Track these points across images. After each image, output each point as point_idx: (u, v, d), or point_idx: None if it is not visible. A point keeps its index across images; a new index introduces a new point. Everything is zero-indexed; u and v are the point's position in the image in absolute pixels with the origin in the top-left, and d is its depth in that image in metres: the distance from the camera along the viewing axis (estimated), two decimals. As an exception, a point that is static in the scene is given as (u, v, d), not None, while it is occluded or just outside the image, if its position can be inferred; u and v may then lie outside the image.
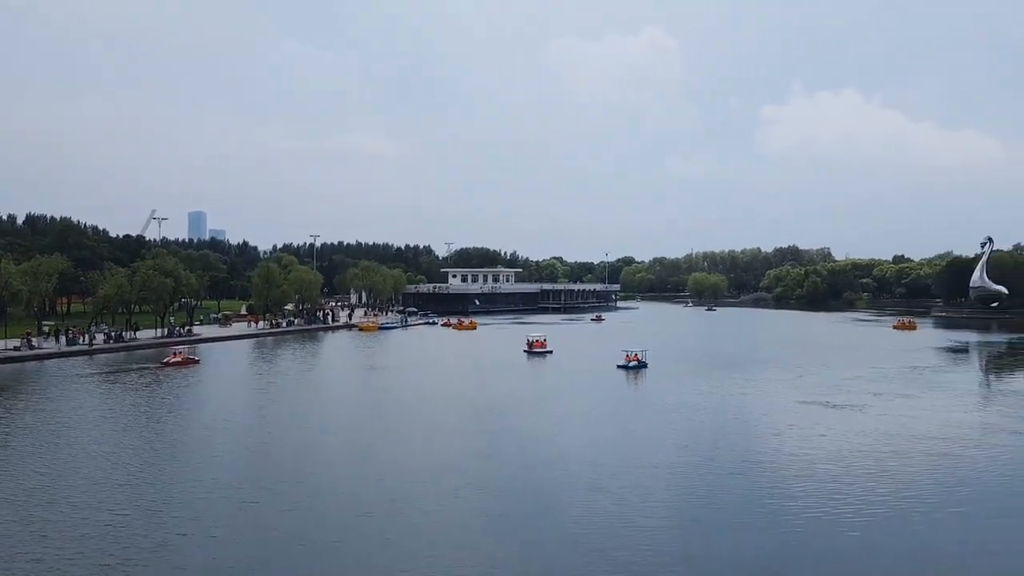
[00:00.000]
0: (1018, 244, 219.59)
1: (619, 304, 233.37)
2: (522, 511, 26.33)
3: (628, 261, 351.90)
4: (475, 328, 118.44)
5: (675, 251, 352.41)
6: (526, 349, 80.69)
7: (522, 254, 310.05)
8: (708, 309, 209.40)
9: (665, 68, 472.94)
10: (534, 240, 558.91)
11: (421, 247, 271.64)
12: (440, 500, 27.22)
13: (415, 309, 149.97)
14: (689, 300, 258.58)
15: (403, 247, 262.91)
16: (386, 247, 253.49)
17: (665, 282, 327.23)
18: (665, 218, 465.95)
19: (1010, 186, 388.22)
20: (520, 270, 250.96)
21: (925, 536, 23.80)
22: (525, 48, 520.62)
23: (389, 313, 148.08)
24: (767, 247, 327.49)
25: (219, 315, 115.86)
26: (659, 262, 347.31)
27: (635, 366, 65.51)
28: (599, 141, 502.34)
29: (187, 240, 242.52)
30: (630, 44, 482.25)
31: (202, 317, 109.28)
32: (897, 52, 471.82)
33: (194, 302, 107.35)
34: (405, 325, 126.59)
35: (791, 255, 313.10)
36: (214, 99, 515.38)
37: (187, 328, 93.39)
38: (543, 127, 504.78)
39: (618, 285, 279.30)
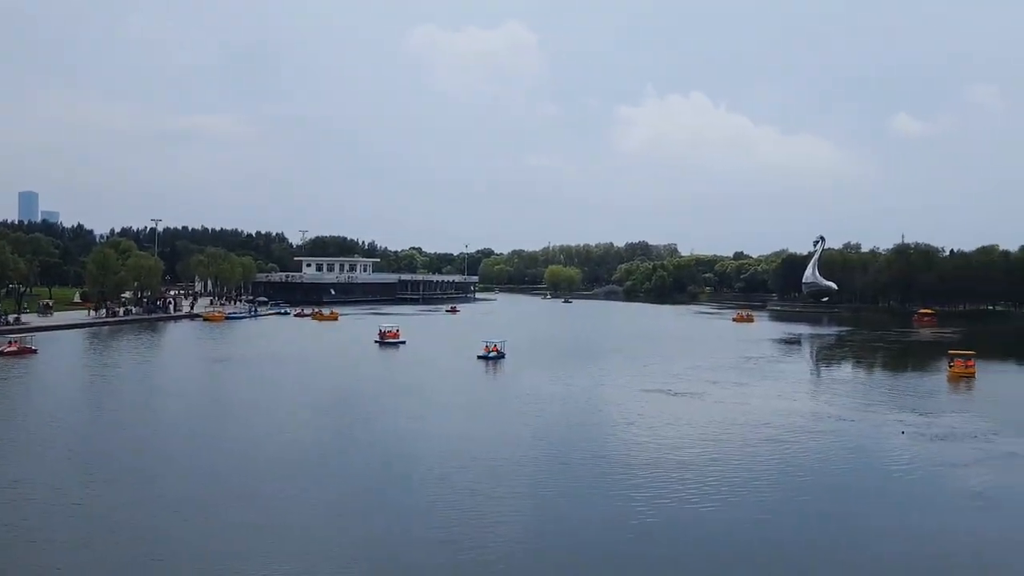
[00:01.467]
0: (848, 243, 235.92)
1: (478, 296, 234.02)
2: (370, 505, 25.56)
3: (487, 253, 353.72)
4: (336, 319, 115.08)
5: (533, 244, 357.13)
6: (378, 340, 79.18)
7: (381, 244, 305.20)
8: (564, 301, 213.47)
9: (526, 63, 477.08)
10: (393, 230, 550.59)
11: (274, 234, 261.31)
12: (285, 497, 25.88)
13: (266, 299, 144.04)
14: (547, 292, 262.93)
15: (254, 234, 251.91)
16: (235, 233, 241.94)
17: (523, 274, 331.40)
18: (524, 211, 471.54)
19: (841, 188, 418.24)
20: (378, 260, 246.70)
21: (762, 517, 24.60)
22: (386, 35, 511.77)
23: (237, 303, 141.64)
24: (619, 242, 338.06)
25: (45, 303, 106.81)
26: (517, 254, 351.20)
27: (495, 356, 65.67)
28: (460, 132, 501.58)
29: (16, 222, 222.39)
30: (491, 37, 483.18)
31: (28, 304, 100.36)
32: (742, 60, 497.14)
33: (23, 288, 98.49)
34: (255, 315, 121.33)
35: (641, 250, 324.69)
36: (46, 74, 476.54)
37: (15, 317, 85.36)
38: (403, 115, 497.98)
39: (477, 277, 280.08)
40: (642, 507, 25.35)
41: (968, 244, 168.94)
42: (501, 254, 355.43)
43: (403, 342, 78.73)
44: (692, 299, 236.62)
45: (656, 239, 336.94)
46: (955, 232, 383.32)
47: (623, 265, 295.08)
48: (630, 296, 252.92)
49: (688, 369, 61.96)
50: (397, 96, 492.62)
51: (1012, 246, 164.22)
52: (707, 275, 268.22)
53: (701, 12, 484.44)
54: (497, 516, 24.37)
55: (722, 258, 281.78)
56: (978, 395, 52.84)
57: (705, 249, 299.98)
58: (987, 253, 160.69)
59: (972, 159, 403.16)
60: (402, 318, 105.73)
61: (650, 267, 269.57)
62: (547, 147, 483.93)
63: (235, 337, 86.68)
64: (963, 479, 30.22)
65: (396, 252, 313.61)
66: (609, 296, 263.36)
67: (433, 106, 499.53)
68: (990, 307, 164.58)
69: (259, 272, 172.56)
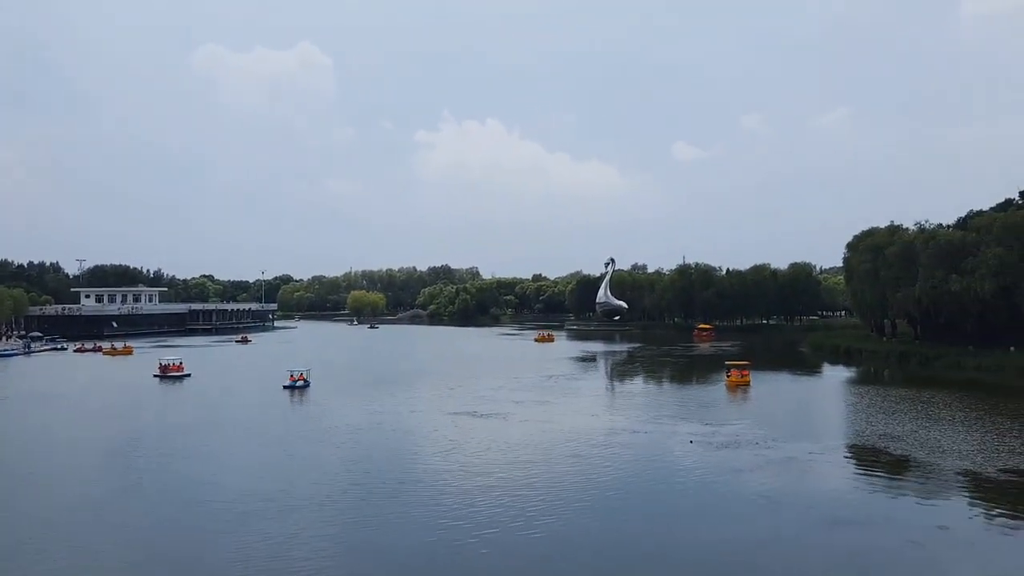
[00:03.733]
0: (636, 264, 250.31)
1: (277, 324, 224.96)
2: (174, 548, 23.49)
3: (286, 279, 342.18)
4: (131, 353, 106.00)
5: (334, 269, 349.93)
6: (158, 374, 73.48)
7: (168, 272, 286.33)
8: (370, 327, 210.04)
9: (320, 85, 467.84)
10: (182, 257, 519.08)
11: (47, 264, 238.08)
12: (67, 548, 23.04)
13: (40, 334, 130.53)
14: (353, 318, 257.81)
15: (25, 264, 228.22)
16: (4, 264, 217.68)
17: (325, 300, 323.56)
18: (324, 236, 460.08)
19: (629, 212, 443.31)
20: (166, 289, 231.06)
21: (567, 532, 24.53)
22: (169, 53, 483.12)
23: (9, 339, 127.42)
24: (422, 266, 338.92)
25: None
26: (318, 281, 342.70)
27: (301, 385, 63.63)
28: (254, 155, 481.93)
29: None
30: (283, 58, 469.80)
31: None
32: (533, 88, 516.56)
33: None
34: (28, 352, 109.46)
35: (444, 274, 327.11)
36: None
37: None
38: (189, 137, 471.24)
39: (275, 305, 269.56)
40: (450, 534, 24.66)
41: (743, 263, 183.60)
42: (301, 280, 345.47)
43: (188, 375, 73.73)
44: (495, 321, 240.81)
45: (458, 263, 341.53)
46: (731, 252, 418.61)
47: (427, 289, 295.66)
48: (435, 320, 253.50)
49: (493, 390, 62.37)
50: (182, 117, 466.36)
51: (782, 265, 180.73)
52: (508, 297, 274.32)
53: (491, 40, 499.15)
54: (302, 553, 22.88)
55: (522, 280, 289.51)
56: (754, 403, 56.61)
57: (506, 272, 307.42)
58: (760, 271, 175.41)
59: (744, 183, 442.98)
60: (191, 350, 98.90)
61: (453, 291, 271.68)
62: (347, 171, 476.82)
63: (6, 377, 77.18)
64: (747, 483, 31.79)
65: (185, 280, 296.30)
66: (414, 320, 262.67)
67: (222, 128, 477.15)
68: (764, 321, 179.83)
69: (32, 305, 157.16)
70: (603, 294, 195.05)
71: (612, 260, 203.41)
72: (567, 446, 39.15)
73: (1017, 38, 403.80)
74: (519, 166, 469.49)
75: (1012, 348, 77.83)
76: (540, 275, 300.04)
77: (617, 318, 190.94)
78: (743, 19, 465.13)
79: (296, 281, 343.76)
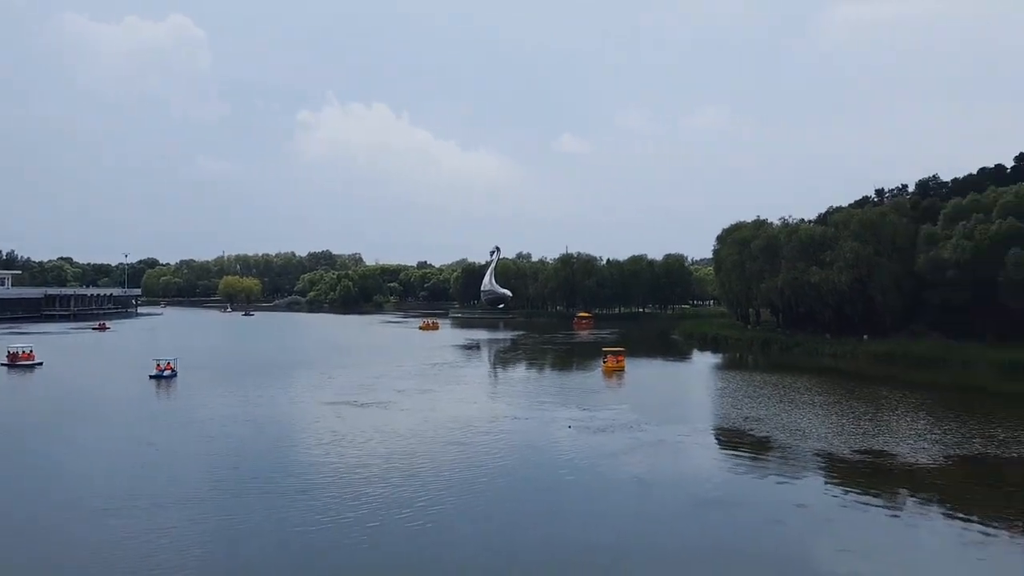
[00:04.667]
0: (520, 253, 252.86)
1: (141, 310, 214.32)
2: (30, 551, 22.23)
3: (152, 263, 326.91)
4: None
5: (206, 253, 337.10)
6: (5, 363, 69.25)
7: (22, 254, 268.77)
8: (245, 314, 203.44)
9: (193, 59, 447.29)
10: (38, 239, 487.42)
11: None
12: None
13: None
14: (227, 305, 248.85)
15: None
16: None
17: (194, 286, 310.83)
18: (196, 218, 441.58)
19: (514, 201, 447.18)
20: (19, 272, 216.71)
21: (449, 521, 24.87)
22: (25, 20, 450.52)
23: None
24: (302, 251, 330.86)
25: None
26: (187, 265, 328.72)
27: (169, 375, 61.42)
28: (119, 131, 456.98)
29: None
30: (153, 29, 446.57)
31: None
32: (421, 75, 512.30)
33: None
34: None
35: (325, 260, 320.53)
36: None
37: None
38: (51, 112, 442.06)
39: (140, 290, 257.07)
40: (331, 530, 24.49)
41: (622, 254, 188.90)
42: (168, 264, 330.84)
43: (39, 364, 69.90)
44: (378, 308, 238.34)
45: (340, 248, 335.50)
46: (611, 242, 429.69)
47: (306, 275, 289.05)
48: (314, 307, 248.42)
49: (375, 378, 61.98)
50: (39, 89, 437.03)
51: (658, 256, 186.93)
52: (392, 284, 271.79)
53: (380, 21, 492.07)
54: (167, 556, 22.10)
55: (407, 267, 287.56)
56: (629, 388, 58.74)
57: (390, 259, 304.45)
58: (637, 262, 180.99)
59: (624, 175, 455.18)
60: (44, 337, 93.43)
61: (335, 277, 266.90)
62: (221, 150, 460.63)
63: None
64: (622, 466, 33.10)
65: (41, 263, 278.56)
66: (292, 307, 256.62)
67: (84, 102, 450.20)
68: (640, 309, 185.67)
69: None
70: (488, 282, 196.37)
71: (497, 249, 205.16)
72: (451, 434, 39.52)
73: (879, 45, 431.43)
74: (407, 152, 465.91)
75: (865, 336, 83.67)
76: (425, 262, 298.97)
77: (502, 306, 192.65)
78: (626, 15, 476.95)
79: (163, 265, 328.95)
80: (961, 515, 25.57)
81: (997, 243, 70.27)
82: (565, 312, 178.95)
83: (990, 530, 23.93)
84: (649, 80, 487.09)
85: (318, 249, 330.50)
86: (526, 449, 36.45)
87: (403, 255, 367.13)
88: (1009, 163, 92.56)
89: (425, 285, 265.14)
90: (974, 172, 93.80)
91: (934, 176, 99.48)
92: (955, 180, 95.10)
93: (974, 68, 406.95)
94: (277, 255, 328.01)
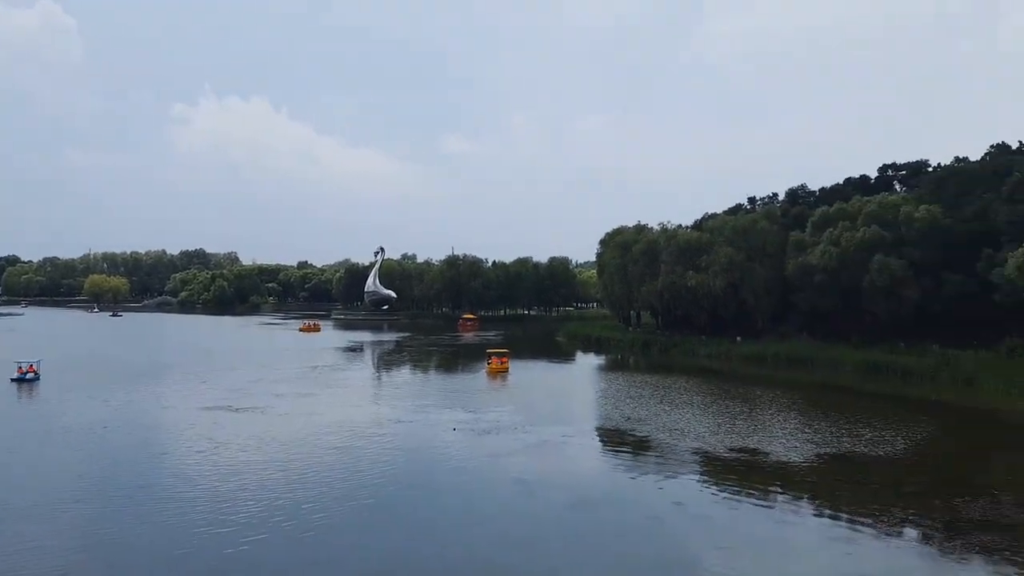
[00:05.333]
0: (406, 254, 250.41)
1: (1, 310, 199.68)
2: None
3: (12, 261, 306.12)
4: None
5: (71, 251, 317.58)
6: None
7: None
8: (113, 315, 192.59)
9: (62, 49, 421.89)
10: None
11: None
12: None
13: None
14: (93, 305, 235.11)
15: None
16: None
17: (59, 285, 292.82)
18: (60, 213, 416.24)
19: (400, 201, 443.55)
20: None
21: (339, 529, 23.87)
22: None
23: None
24: (173, 249, 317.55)
25: None
26: (51, 263, 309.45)
27: (32, 378, 58.11)
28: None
29: None
30: (21, 16, 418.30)
31: None
32: (302, 69, 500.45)
33: None
34: None
35: (199, 258, 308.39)
36: None
37: None
38: None
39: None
40: (210, 542, 23.13)
41: (508, 256, 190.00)
42: (30, 262, 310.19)
43: None
44: (255, 310, 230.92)
45: (215, 247, 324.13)
46: (498, 244, 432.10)
47: (178, 274, 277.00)
48: (186, 308, 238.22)
49: (252, 382, 59.74)
50: None
51: (543, 258, 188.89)
52: (271, 284, 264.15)
53: (258, 10, 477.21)
54: (31, 573, 20.31)
55: (286, 267, 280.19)
56: (513, 389, 58.74)
57: (268, 258, 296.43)
58: (523, 264, 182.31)
59: (512, 178, 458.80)
60: None
61: (208, 276, 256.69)
62: (90, 143, 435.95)
63: None
64: (506, 468, 32.85)
65: None
66: (162, 308, 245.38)
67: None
68: (526, 311, 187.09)
69: None
70: (372, 283, 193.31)
71: (382, 249, 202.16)
72: (332, 439, 38.26)
73: (751, 55, 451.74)
74: (286, 148, 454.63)
75: (738, 338, 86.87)
76: (306, 262, 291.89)
77: (386, 308, 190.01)
78: (514, 21, 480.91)
79: (25, 263, 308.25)
80: (830, 511, 26.56)
81: (861, 250, 74.23)
82: (451, 314, 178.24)
83: (857, 525, 24.89)
84: (537, 85, 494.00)
85: (191, 247, 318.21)
86: (410, 453, 35.64)
87: (283, 255, 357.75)
88: (873, 173, 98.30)
89: (306, 286, 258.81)
90: (840, 182, 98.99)
91: (803, 185, 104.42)
92: (822, 189, 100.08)
93: (841, 79, 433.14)
94: (147, 253, 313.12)
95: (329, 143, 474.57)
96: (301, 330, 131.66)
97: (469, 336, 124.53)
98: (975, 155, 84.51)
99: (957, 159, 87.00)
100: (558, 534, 24.35)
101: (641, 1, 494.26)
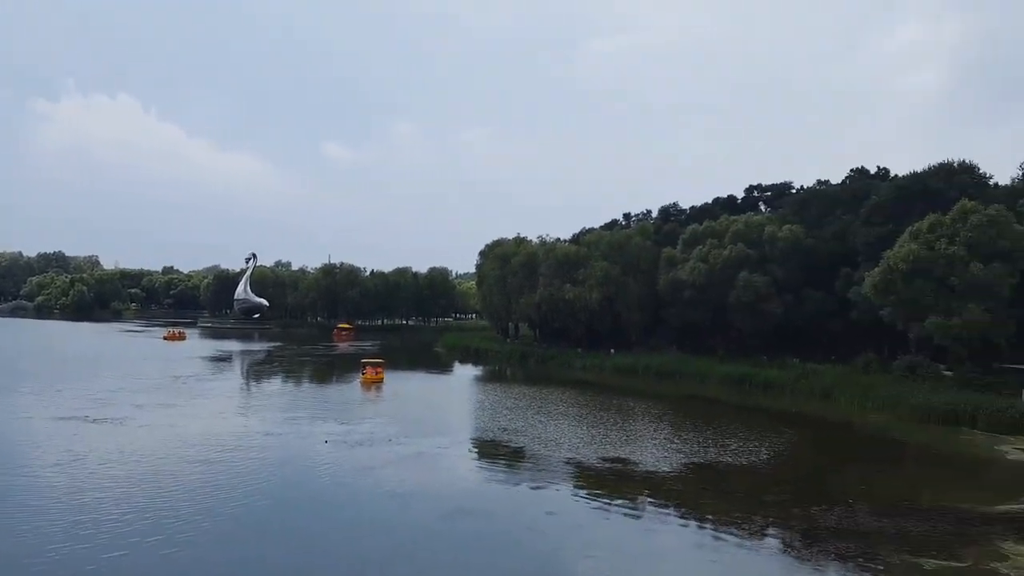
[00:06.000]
0: (279, 261, 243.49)
1: None
2: None
3: None
4: None
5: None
6: None
7: None
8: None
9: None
10: None
11: None
12: None
13: None
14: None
15: None
16: None
17: None
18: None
19: (275, 207, 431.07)
20: None
21: (204, 546, 22.34)
22: None
23: None
24: (30, 252, 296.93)
25: None
26: None
27: None
28: None
29: None
30: None
31: None
32: (179, 68, 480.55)
33: None
34: None
35: (57, 262, 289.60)
36: None
37: None
38: None
39: None
40: (65, 562, 21.12)
41: (388, 265, 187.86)
42: None
43: None
44: (117, 316, 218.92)
45: (75, 250, 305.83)
46: (378, 253, 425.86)
47: (34, 278, 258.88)
48: (43, 313, 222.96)
49: (112, 392, 56.32)
50: None
51: (422, 268, 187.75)
52: (134, 290, 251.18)
53: (124, 7, 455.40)
54: None
55: (151, 272, 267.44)
56: (388, 401, 57.79)
57: (132, 262, 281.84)
58: (402, 274, 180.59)
59: (392, 187, 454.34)
60: None
61: (67, 281, 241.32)
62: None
63: None
64: (380, 481, 31.96)
65: None
66: (16, 313, 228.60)
67: None
68: (404, 322, 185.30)
69: None
70: (243, 291, 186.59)
71: (254, 255, 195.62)
72: (198, 452, 36.19)
73: (629, 72, 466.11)
74: (155, 149, 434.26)
75: (612, 351, 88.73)
76: (172, 267, 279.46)
77: (257, 316, 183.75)
78: (400, 31, 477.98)
79: None
80: (696, 519, 27.15)
81: (728, 267, 77.36)
82: (326, 323, 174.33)
83: (721, 533, 25.52)
84: (420, 95, 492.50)
85: (49, 250, 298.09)
86: (279, 466, 34.13)
87: (147, 259, 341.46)
88: (740, 194, 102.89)
89: (171, 292, 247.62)
90: (710, 201, 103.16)
91: (675, 203, 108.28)
92: (693, 207, 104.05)
93: (713, 101, 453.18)
94: (1, 255, 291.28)
95: (201, 145, 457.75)
96: (165, 338, 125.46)
97: (344, 346, 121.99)
98: (836, 178, 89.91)
99: (819, 182, 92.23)
100: (430, 545, 23.78)
101: (530, 14, 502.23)
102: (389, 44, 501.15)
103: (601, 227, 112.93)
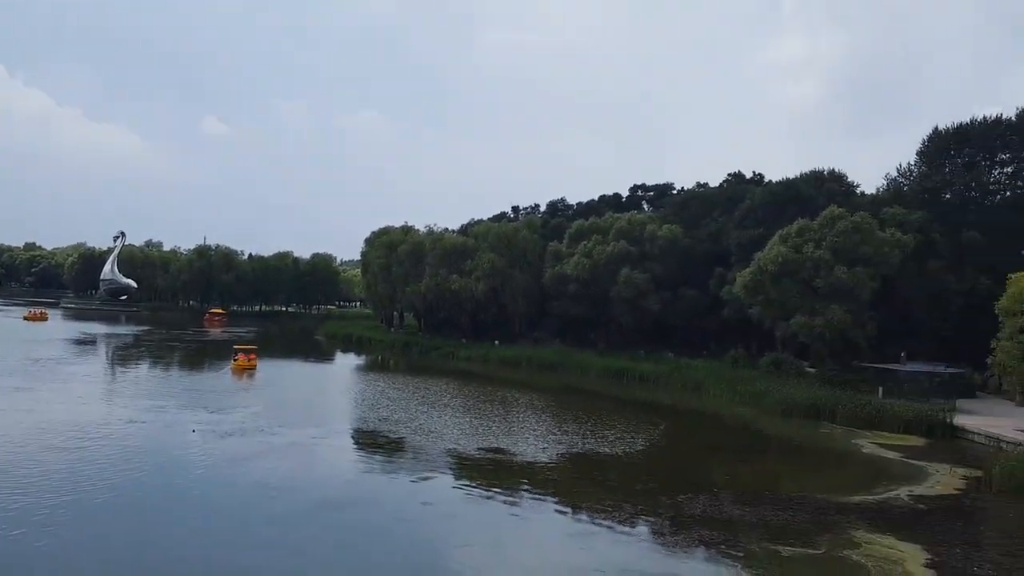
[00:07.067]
0: (150, 240, 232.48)
1: None
2: None
3: None
4: None
5: None
6: None
7: None
8: None
9: None
10: None
11: None
12: None
13: None
14: None
15: None
16: None
17: None
18: None
19: (148, 183, 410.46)
20: None
21: (58, 541, 20.89)
22: None
23: None
24: None
25: None
26: None
27: None
28: None
29: None
30: None
31: None
32: (46, 32, 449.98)
33: None
34: None
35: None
36: None
37: None
38: None
39: None
40: None
41: (270, 249, 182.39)
42: None
43: None
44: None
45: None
46: (259, 236, 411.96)
47: None
48: None
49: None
50: None
51: (306, 253, 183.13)
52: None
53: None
54: None
55: (11, 248, 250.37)
56: (263, 389, 56.10)
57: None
58: (282, 258, 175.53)
59: (276, 168, 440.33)
60: None
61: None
62: None
63: None
64: (250, 471, 30.88)
65: None
66: None
67: None
68: (284, 308, 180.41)
69: None
70: (110, 271, 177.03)
71: (122, 234, 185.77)
72: (56, 439, 34.05)
73: (525, 67, 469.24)
74: (19, 116, 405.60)
75: (497, 342, 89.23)
76: (35, 244, 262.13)
77: (124, 298, 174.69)
78: (287, 8, 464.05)
79: None
80: (571, 508, 27.50)
81: (611, 263, 79.12)
82: (199, 307, 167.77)
83: (594, 521, 25.95)
84: (306, 75, 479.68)
85: None
86: (144, 455, 32.40)
87: (7, 234, 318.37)
88: (625, 193, 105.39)
89: (33, 270, 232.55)
90: (596, 198, 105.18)
91: (562, 198, 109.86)
92: (579, 204, 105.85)
93: (603, 100, 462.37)
94: None
95: (70, 115, 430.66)
96: (26, 318, 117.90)
97: (217, 332, 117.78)
98: (715, 182, 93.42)
99: (698, 184, 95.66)
100: (301, 536, 23.11)
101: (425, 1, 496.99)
102: (274, 18, 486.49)
103: (489, 219, 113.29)
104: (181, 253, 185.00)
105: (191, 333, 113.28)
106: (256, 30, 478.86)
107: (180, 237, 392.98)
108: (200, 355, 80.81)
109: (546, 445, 38.65)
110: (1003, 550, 24.28)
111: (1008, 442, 39.81)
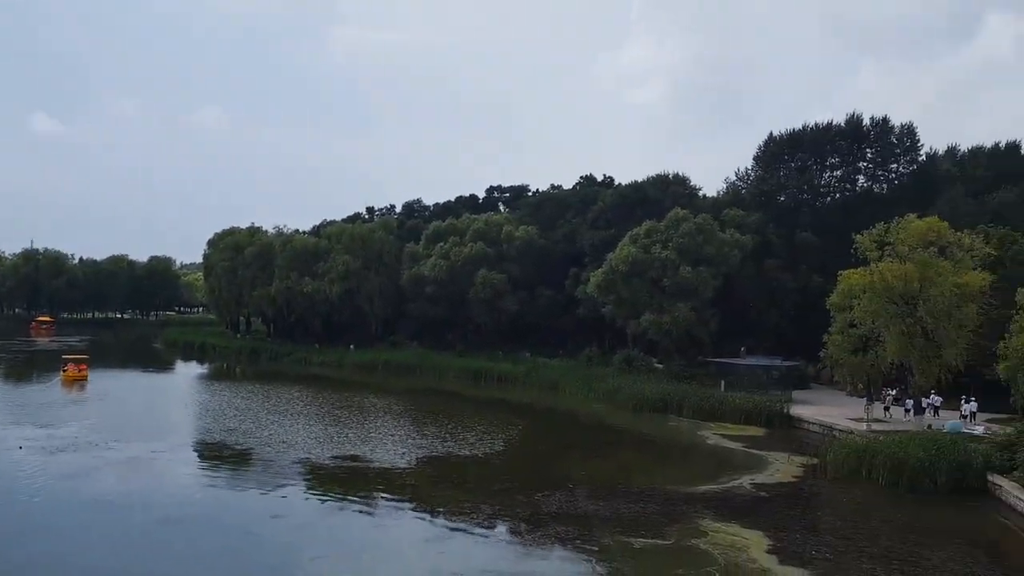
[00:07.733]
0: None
1: None
2: None
3: None
4: None
5: None
6: None
7: None
8: None
9: None
10: None
11: None
12: None
13: None
14: None
15: None
16: None
17: None
18: None
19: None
20: None
21: None
22: None
23: None
24: None
25: None
26: None
27: None
28: None
29: None
30: None
31: None
32: None
33: None
34: None
35: None
36: None
37: None
38: None
39: None
40: None
41: (104, 252, 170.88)
42: None
43: None
44: None
45: None
46: (93, 238, 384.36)
47: None
48: None
49: None
50: None
51: (143, 257, 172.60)
52: None
53: None
54: None
55: None
56: (97, 401, 52.58)
57: None
58: (117, 262, 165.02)
59: (111, 167, 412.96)
60: None
61: None
62: None
63: None
64: (84, 489, 28.72)
65: None
66: None
67: None
68: (119, 315, 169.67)
69: None
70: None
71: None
72: None
73: (378, 68, 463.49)
74: None
75: (352, 346, 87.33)
76: None
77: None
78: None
79: None
80: (428, 512, 27.01)
81: (468, 264, 79.18)
82: (25, 315, 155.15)
83: (452, 524, 25.58)
84: (144, 69, 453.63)
85: None
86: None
87: None
88: (482, 194, 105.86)
89: None
90: (453, 199, 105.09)
91: (418, 200, 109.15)
92: (436, 205, 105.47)
93: (459, 101, 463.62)
94: None
95: None
96: None
97: (45, 341, 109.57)
98: (569, 184, 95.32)
99: (553, 186, 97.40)
100: (139, 556, 21.49)
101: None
102: (107, 8, 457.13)
103: (343, 220, 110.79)
104: (6, 258, 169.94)
105: (17, 343, 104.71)
106: (90, 24, 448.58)
107: (6, 241, 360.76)
108: (27, 366, 74.77)
109: (404, 450, 37.97)
110: (839, 534, 25.78)
111: (840, 430, 42.38)
